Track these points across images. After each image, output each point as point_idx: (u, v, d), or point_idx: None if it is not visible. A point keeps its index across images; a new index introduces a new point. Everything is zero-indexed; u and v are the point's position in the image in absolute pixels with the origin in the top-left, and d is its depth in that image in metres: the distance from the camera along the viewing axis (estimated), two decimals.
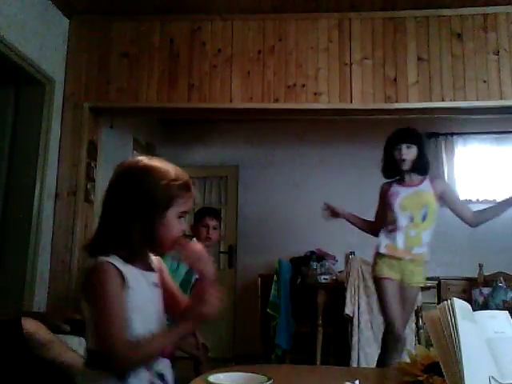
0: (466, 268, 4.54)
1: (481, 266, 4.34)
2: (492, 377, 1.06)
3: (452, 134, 4.97)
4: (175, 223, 1.24)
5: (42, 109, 3.08)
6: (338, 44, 3.33)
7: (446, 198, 2.82)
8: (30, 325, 1.76)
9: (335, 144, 5.06)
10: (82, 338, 2.16)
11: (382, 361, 2.67)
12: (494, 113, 3.41)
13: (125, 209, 1.21)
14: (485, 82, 3.20)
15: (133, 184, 1.22)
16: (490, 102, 3.19)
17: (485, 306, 3.97)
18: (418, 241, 2.70)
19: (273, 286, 4.13)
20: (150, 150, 5.02)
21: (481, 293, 4.19)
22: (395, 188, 2.79)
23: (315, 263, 4.28)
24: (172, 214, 1.22)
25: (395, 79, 3.26)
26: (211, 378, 1.11)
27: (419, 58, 3.27)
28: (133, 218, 1.19)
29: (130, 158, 1.30)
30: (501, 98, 3.17)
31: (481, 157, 4.94)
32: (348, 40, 3.33)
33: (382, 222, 2.82)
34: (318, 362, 3.72)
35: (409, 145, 2.73)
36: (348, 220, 3.02)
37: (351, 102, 3.26)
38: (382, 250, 2.73)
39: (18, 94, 3.09)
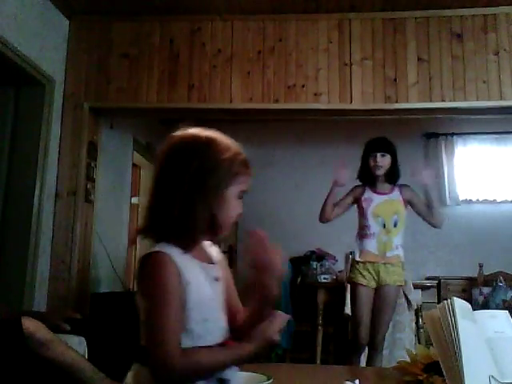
0: (466, 268, 4.54)
1: (481, 265, 4.34)
2: (492, 376, 1.06)
3: (452, 134, 4.98)
4: (235, 204, 1.09)
5: (41, 109, 3.08)
6: (338, 44, 3.33)
7: (413, 204, 2.96)
8: (29, 324, 1.76)
9: (335, 144, 5.06)
10: (82, 338, 2.17)
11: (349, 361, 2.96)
12: (493, 113, 3.41)
13: (181, 187, 1.03)
14: (485, 82, 3.20)
15: (191, 158, 1.06)
16: (489, 103, 3.19)
17: (485, 306, 3.97)
18: (389, 245, 2.86)
19: None
20: (150, 150, 5.03)
21: (481, 292, 4.19)
22: (368, 194, 2.95)
23: (315, 263, 4.29)
24: (232, 192, 1.08)
25: (395, 79, 3.26)
26: None
27: (419, 59, 3.27)
28: (192, 198, 1.02)
29: (184, 130, 1.16)
30: (501, 99, 3.17)
31: (481, 157, 4.94)
32: (348, 40, 3.33)
33: (336, 211, 3.00)
34: (318, 362, 3.72)
35: (383, 153, 2.89)
36: (332, 188, 3.05)
37: (351, 102, 3.26)
38: (358, 258, 2.91)
39: (17, 94, 3.09)
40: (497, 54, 3.22)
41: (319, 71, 3.31)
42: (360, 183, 3.03)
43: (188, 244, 1.04)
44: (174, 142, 1.13)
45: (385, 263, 2.83)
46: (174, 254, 1.01)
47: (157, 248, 1.01)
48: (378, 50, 3.31)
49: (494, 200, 4.88)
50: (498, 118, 3.99)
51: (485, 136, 4.95)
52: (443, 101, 3.22)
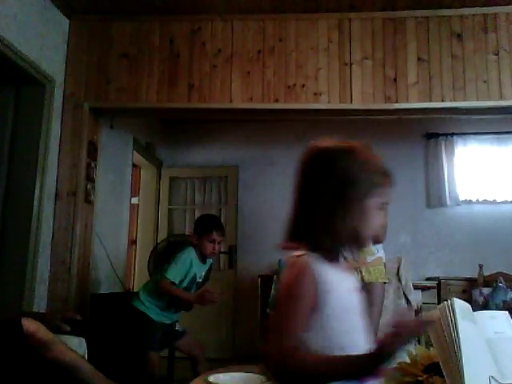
0: (466, 268, 4.54)
1: (481, 266, 4.34)
2: (492, 377, 1.06)
3: (452, 135, 4.97)
4: (376, 215, 1.09)
5: (41, 109, 3.08)
6: (338, 44, 3.33)
7: None
8: (29, 325, 1.76)
9: None
10: (81, 338, 2.17)
11: None
12: (493, 113, 3.41)
13: (324, 198, 1.06)
14: (485, 82, 3.20)
15: (333, 169, 1.08)
16: (489, 103, 3.19)
17: (485, 307, 3.97)
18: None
19: (273, 286, 4.13)
20: (150, 150, 5.03)
21: (481, 293, 4.19)
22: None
23: None
24: (373, 203, 1.09)
25: (395, 79, 3.26)
26: (211, 378, 1.11)
27: (419, 59, 3.27)
28: (334, 209, 1.05)
29: (324, 141, 1.18)
30: (501, 99, 3.17)
31: (481, 157, 4.94)
32: (348, 40, 3.33)
33: None
34: None
35: None
36: None
37: (351, 102, 3.26)
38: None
39: (17, 94, 3.09)
40: (497, 53, 3.22)
41: (319, 71, 3.31)
42: None
43: (331, 254, 1.08)
44: (315, 153, 1.17)
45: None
46: (317, 263, 1.05)
47: (302, 255, 1.05)
48: (378, 50, 3.30)
49: (494, 200, 4.87)
50: (498, 117, 3.99)
51: (485, 136, 4.94)
52: (443, 101, 3.22)
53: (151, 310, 2.85)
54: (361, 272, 2.96)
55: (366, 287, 2.94)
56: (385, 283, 3.05)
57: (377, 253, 3.00)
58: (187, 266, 2.83)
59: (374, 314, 2.91)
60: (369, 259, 2.97)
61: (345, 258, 3.03)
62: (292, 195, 1.13)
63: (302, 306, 1.01)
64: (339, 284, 1.07)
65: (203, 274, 3.00)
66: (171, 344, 3.08)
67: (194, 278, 2.91)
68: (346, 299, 1.08)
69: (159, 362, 2.87)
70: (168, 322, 2.92)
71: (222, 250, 3.58)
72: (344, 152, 1.11)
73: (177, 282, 2.80)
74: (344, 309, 1.06)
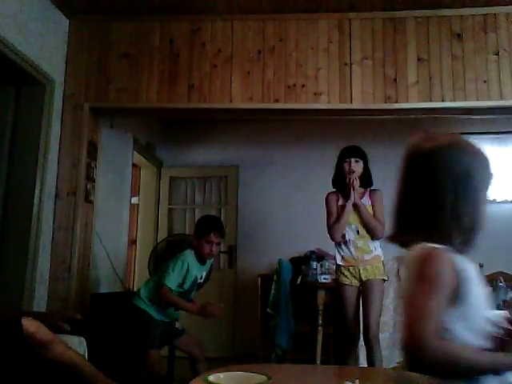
0: None
1: (481, 265, 4.34)
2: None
3: None
4: (486, 205, 1.17)
5: (41, 109, 3.08)
6: (338, 44, 3.33)
7: (374, 207, 3.09)
8: (30, 325, 1.75)
9: (335, 144, 5.04)
10: (82, 338, 2.17)
11: (342, 360, 3.07)
12: (494, 113, 3.41)
13: (448, 191, 1.12)
14: (485, 82, 3.20)
15: (454, 163, 1.14)
16: (489, 103, 3.19)
17: None
18: (366, 249, 3.03)
19: (273, 286, 4.13)
20: (150, 150, 5.03)
21: None
22: (342, 202, 3.11)
23: (315, 263, 4.28)
24: (487, 195, 1.17)
25: (395, 79, 3.26)
26: (211, 377, 1.11)
27: (419, 58, 3.27)
28: (459, 201, 1.11)
29: (433, 135, 1.24)
30: (501, 99, 3.17)
31: None
32: (348, 40, 3.33)
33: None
34: (318, 362, 3.72)
35: (357, 159, 3.07)
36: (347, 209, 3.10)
37: (351, 102, 3.26)
38: (339, 262, 3.09)
39: (17, 94, 3.09)
40: (497, 53, 3.22)
41: (319, 71, 3.31)
42: (332, 190, 3.20)
43: (459, 246, 1.11)
44: (429, 150, 1.18)
45: (364, 265, 3.01)
46: (452, 254, 1.09)
47: (436, 248, 1.09)
48: (378, 50, 3.30)
49: (494, 200, 4.88)
50: (498, 117, 3.99)
51: (485, 136, 4.94)
52: (443, 101, 3.22)
53: (151, 308, 2.86)
54: (359, 271, 3.02)
55: (365, 285, 3.00)
56: (384, 280, 3.07)
57: (374, 250, 3.05)
58: (184, 271, 2.85)
59: (373, 312, 2.95)
60: (366, 257, 3.02)
61: (342, 257, 2.98)
62: (400, 192, 1.18)
63: (443, 295, 1.03)
64: (475, 274, 1.11)
65: (204, 274, 3.02)
66: (171, 342, 3.09)
67: (195, 280, 2.93)
68: (481, 288, 1.11)
69: (160, 360, 2.88)
70: (168, 319, 2.93)
71: (222, 249, 3.57)
72: (460, 147, 1.16)
73: (175, 287, 2.83)
74: (483, 298, 1.10)
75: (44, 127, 3.09)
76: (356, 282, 3.03)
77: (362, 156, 3.10)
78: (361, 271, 3.02)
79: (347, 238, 3.05)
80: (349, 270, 3.04)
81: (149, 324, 2.85)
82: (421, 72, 3.25)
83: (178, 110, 3.48)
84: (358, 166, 3.08)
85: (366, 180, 3.12)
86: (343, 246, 3.08)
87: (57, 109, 3.24)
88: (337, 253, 3.12)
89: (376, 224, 3.01)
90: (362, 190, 3.12)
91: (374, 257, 3.04)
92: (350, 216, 3.05)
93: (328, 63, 3.31)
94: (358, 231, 3.05)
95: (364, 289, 3.02)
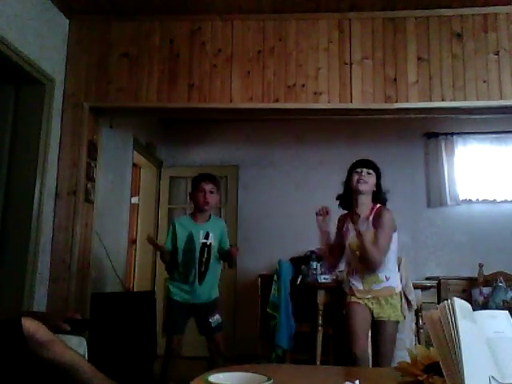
0: (466, 268, 4.55)
1: (481, 265, 4.34)
2: (492, 377, 1.06)
3: (452, 134, 4.97)
4: None
5: (41, 109, 3.08)
6: (338, 44, 3.33)
7: (375, 233, 2.59)
8: (29, 325, 1.75)
9: (335, 144, 5.06)
10: (82, 338, 2.17)
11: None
12: (493, 113, 3.41)
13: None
14: (485, 81, 3.20)
15: None
16: (489, 102, 3.19)
17: (485, 306, 3.97)
18: (374, 279, 2.58)
19: (273, 286, 4.13)
20: (150, 150, 5.03)
21: (481, 293, 4.19)
22: (347, 225, 2.69)
23: (315, 263, 4.28)
24: None
25: (395, 79, 3.26)
26: (211, 377, 1.10)
27: (419, 58, 3.27)
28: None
29: None
30: (501, 98, 3.17)
31: (481, 157, 4.94)
32: (348, 40, 3.33)
33: (337, 254, 2.73)
34: (318, 362, 3.72)
35: (369, 171, 2.67)
36: (321, 239, 2.71)
37: (351, 101, 3.26)
38: (348, 292, 2.68)
39: (17, 93, 3.09)
40: (497, 53, 3.22)
41: (319, 71, 3.31)
42: (343, 212, 2.79)
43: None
44: None
45: (374, 297, 2.58)
46: None
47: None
48: (378, 50, 3.30)
49: (494, 200, 4.88)
50: (498, 117, 3.99)
51: (485, 136, 4.95)
52: (443, 100, 3.22)
53: (174, 290, 2.96)
54: (370, 307, 2.58)
55: (377, 323, 2.56)
56: (397, 322, 2.59)
57: (386, 282, 2.58)
58: (171, 232, 2.99)
59: (383, 348, 2.54)
60: (374, 287, 2.58)
61: (350, 288, 2.70)
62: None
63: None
64: None
65: (210, 235, 2.99)
66: (205, 335, 3.04)
67: (191, 237, 2.95)
68: None
69: (180, 346, 2.94)
70: (195, 301, 2.94)
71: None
72: None
73: (167, 248, 2.95)
74: None
75: (44, 127, 3.09)
76: (368, 309, 2.59)
77: (375, 169, 2.71)
78: (373, 305, 2.56)
79: (352, 266, 2.65)
80: (359, 304, 2.59)
81: (170, 309, 2.98)
82: (421, 72, 3.25)
83: (178, 110, 3.48)
84: (370, 178, 2.66)
85: (379, 195, 2.70)
86: (350, 277, 2.66)
87: (57, 108, 3.24)
88: (346, 283, 2.71)
89: (372, 255, 2.49)
90: (368, 209, 2.65)
91: (385, 288, 2.58)
92: (353, 241, 2.61)
93: (328, 63, 3.31)
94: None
95: (375, 329, 2.59)
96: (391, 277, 2.60)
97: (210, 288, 2.99)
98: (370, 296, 2.58)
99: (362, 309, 2.58)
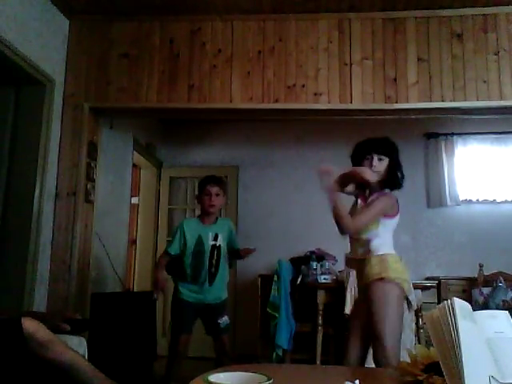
0: (466, 268, 4.54)
1: (481, 266, 4.34)
2: (492, 377, 1.06)
3: (452, 134, 4.97)
4: None
5: (42, 109, 3.08)
6: (338, 44, 3.33)
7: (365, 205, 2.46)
8: (29, 325, 1.75)
9: (335, 144, 5.06)
10: (82, 338, 2.17)
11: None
12: (493, 113, 3.41)
13: None
14: (485, 82, 3.20)
15: None
16: (489, 103, 3.19)
17: (485, 306, 3.97)
18: (360, 243, 2.44)
19: (273, 286, 4.13)
20: (150, 150, 5.03)
21: (481, 293, 4.19)
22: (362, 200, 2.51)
23: (315, 263, 4.28)
24: None
25: (395, 79, 3.26)
26: (211, 377, 1.10)
27: (419, 59, 3.27)
28: None
29: None
30: (501, 99, 3.17)
31: (481, 157, 4.94)
32: (348, 40, 3.33)
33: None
34: (318, 362, 3.72)
35: (381, 157, 2.40)
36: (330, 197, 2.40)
37: (351, 102, 3.26)
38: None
39: (18, 94, 3.09)
40: (497, 53, 3.22)
41: (319, 71, 3.31)
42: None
43: None
44: None
45: (358, 260, 2.44)
46: None
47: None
48: (378, 50, 3.31)
49: (494, 200, 4.88)
50: (498, 117, 3.99)
51: (485, 136, 4.95)
52: (443, 101, 3.22)
53: (183, 291, 2.97)
54: (357, 274, 2.54)
55: (362, 289, 2.43)
56: (382, 279, 2.32)
57: (366, 245, 2.40)
58: (179, 234, 2.98)
59: (373, 315, 2.28)
60: (360, 250, 2.44)
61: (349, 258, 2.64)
62: None
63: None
64: None
65: (220, 236, 3.01)
66: (213, 335, 3.03)
67: (200, 239, 2.97)
68: None
69: (188, 344, 2.95)
70: (205, 300, 2.96)
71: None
72: None
73: (174, 251, 2.97)
74: None
75: (44, 127, 3.09)
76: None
77: (388, 152, 2.42)
78: (358, 273, 2.50)
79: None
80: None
81: (179, 309, 2.98)
82: (421, 72, 3.26)
83: (177, 110, 3.48)
84: (381, 166, 2.39)
85: (389, 182, 2.43)
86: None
87: (57, 109, 3.24)
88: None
89: (341, 219, 2.31)
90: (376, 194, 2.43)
91: (367, 251, 2.41)
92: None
93: (328, 63, 3.31)
94: None
95: (362, 293, 2.47)
96: (373, 240, 2.39)
97: (219, 289, 3.02)
98: (356, 259, 2.51)
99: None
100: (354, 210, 2.52)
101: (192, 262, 2.97)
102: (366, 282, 2.37)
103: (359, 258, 2.46)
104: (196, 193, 3.27)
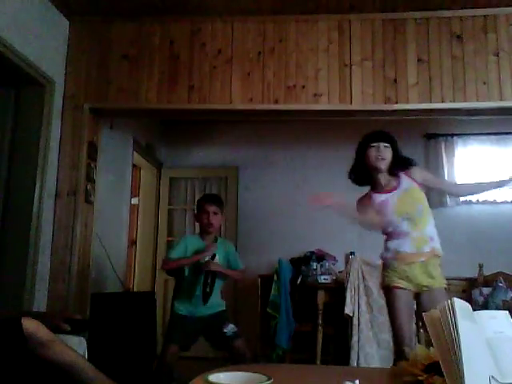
0: (466, 268, 4.54)
1: (481, 266, 4.34)
2: (492, 376, 1.06)
3: (452, 135, 4.98)
4: None
5: (42, 110, 3.08)
6: (338, 45, 3.33)
7: (429, 184, 2.65)
8: (29, 324, 1.75)
9: (335, 145, 5.06)
10: (82, 338, 2.17)
11: None
12: (493, 114, 3.41)
13: None
14: (484, 83, 3.20)
15: None
16: (489, 103, 3.19)
17: (485, 306, 3.97)
18: (424, 239, 2.52)
19: (273, 286, 4.13)
20: (150, 151, 5.03)
21: (481, 293, 4.19)
22: (379, 197, 2.57)
23: (315, 263, 4.29)
24: None
25: (395, 80, 3.27)
26: (211, 377, 1.11)
27: (419, 59, 3.28)
28: None
29: None
30: (500, 100, 3.17)
31: (481, 158, 4.94)
32: (348, 41, 3.33)
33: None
34: (318, 362, 3.73)
35: (385, 144, 2.54)
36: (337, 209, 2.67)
37: (351, 103, 3.26)
38: (391, 259, 2.53)
39: (18, 95, 3.09)
40: (497, 54, 3.23)
41: (319, 72, 3.31)
42: (361, 192, 2.68)
43: None
44: None
45: (423, 262, 2.47)
46: None
47: None
48: (378, 51, 3.31)
49: (494, 200, 4.88)
50: (498, 118, 3.99)
51: (485, 137, 4.95)
52: (443, 102, 3.22)
53: (178, 305, 2.98)
54: (416, 274, 2.44)
55: (425, 294, 2.43)
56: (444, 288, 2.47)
57: (431, 242, 2.52)
58: (183, 244, 3.03)
59: None
60: (425, 249, 2.47)
61: (385, 257, 2.58)
62: None
63: None
64: None
65: (215, 254, 3.01)
66: (224, 347, 2.97)
67: (198, 252, 2.99)
68: None
69: (175, 357, 2.88)
70: (200, 314, 2.94)
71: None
72: None
73: (176, 255, 2.99)
74: None
75: (44, 128, 3.09)
76: (410, 286, 2.46)
77: (392, 141, 2.58)
78: (418, 275, 2.44)
79: (401, 230, 2.51)
80: (403, 270, 2.47)
81: (173, 321, 2.98)
82: (421, 73, 3.26)
83: (177, 111, 3.48)
84: (387, 152, 2.53)
85: (397, 165, 2.57)
86: (397, 241, 2.52)
87: (57, 109, 3.24)
88: (390, 251, 2.54)
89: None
90: (391, 178, 2.58)
91: (432, 249, 2.52)
92: (400, 205, 2.51)
93: (328, 64, 3.32)
94: (410, 219, 2.51)
95: (423, 300, 2.46)
96: (434, 237, 2.60)
97: (214, 306, 3.01)
98: (421, 260, 2.48)
99: (404, 295, 2.49)
100: (366, 211, 2.57)
101: (188, 277, 2.98)
102: (434, 285, 2.45)
103: (425, 257, 2.46)
104: (195, 211, 3.30)
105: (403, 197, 2.54)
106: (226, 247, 3.15)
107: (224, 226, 4.94)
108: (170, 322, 3.04)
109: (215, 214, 3.02)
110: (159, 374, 2.85)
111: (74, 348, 1.92)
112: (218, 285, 3.02)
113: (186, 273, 2.99)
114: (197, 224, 3.38)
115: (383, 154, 2.53)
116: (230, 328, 2.92)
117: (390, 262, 2.54)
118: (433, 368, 1.18)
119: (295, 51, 3.34)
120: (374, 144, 2.54)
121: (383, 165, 2.54)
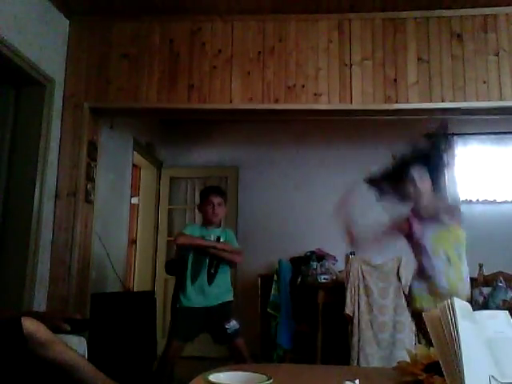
0: None
1: (481, 265, 4.34)
2: (492, 376, 1.06)
3: (452, 135, 4.97)
4: None
5: (42, 109, 3.08)
6: (338, 44, 3.33)
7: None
8: (29, 324, 1.75)
9: (335, 144, 5.06)
10: (82, 338, 2.17)
11: None
12: (493, 113, 3.41)
13: None
14: (485, 82, 3.20)
15: None
16: (489, 103, 3.19)
17: (485, 306, 3.97)
18: (459, 280, 2.44)
19: (273, 286, 4.14)
20: (150, 150, 5.03)
21: (481, 293, 4.19)
22: (418, 223, 2.40)
23: (315, 263, 4.28)
24: None
25: (395, 80, 3.26)
26: (211, 377, 1.10)
27: (419, 59, 3.27)
28: None
29: None
30: (501, 99, 3.17)
31: (481, 157, 4.94)
32: (348, 40, 3.33)
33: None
34: (318, 362, 3.72)
35: (421, 174, 2.34)
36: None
37: (351, 102, 3.26)
38: (425, 294, 2.41)
39: (18, 94, 3.09)
40: (497, 54, 3.23)
41: (319, 71, 3.31)
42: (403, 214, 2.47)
43: None
44: None
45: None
46: None
47: None
48: (378, 50, 3.31)
49: (494, 200, 4.88)
50: (498, 118, 3.99)
51: (485, 136, 4.95)
52: (443, 101, 3.22)
53: (183, 299, 2.95)
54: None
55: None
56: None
57: (466, 283, 2.41)
58: (192, 227, 3.12)
59: None
60: (460, 291, 2.37)
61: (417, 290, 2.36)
62: None
63: None
64: None
65: (219, 236, 3.06)
66: (223, 342, 2.99)
67: (203, 238, 3.02)
68: None
69: (178, 353, 2.89)
70: (207, 303, 2.94)
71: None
72: None
73: (189, 232, 3.02)
74: None
75: (44, 127, 3.09)
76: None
77: (425, 163, 2.35)
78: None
79: (437, 268, 2.42)
80: (435, 300, 2.30)
81: (178, 316, 2.97)
82: (421, 72, 3.26)
83: (177, 111, 3.48)
84: (423, 184, 2.34)
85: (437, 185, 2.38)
86: (430, 279, 2.42)
87: (57, 109, 3.24)
88: (423, 289, 2.44)
89: None
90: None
91: (465, 289, 2.44)
92: (438, 240, 2.42)
93: (328, 63, 3.31)
94: (448, 259, 2.44)
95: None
96: (468, 277, 2.52)
97: (221, 290, 3.01)
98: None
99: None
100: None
101: (193, 260, 2.99)
102: None
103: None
104: (197, 202, 3.33)
105: (444, 233, 2.43)
106: (230, 233, 3.18)
107: (224, 225, 4.93)
108: (174, 317, 3.03)
109: (219, 205, 3.05)
110: (160, 369, 2.86)
111: (74, 348, 1.92)
112: (224, 270, 3.02)
113: (190, 260, 3.00)
114: (197, 219, 3.40)
115: (420, 188, 2.33)
116: (232, 325, 2.92)
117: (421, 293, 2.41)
118: (433, 368, 1.18)
119: (295, 51, 3.34)
120: (410, 176, 2.34)
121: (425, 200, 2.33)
